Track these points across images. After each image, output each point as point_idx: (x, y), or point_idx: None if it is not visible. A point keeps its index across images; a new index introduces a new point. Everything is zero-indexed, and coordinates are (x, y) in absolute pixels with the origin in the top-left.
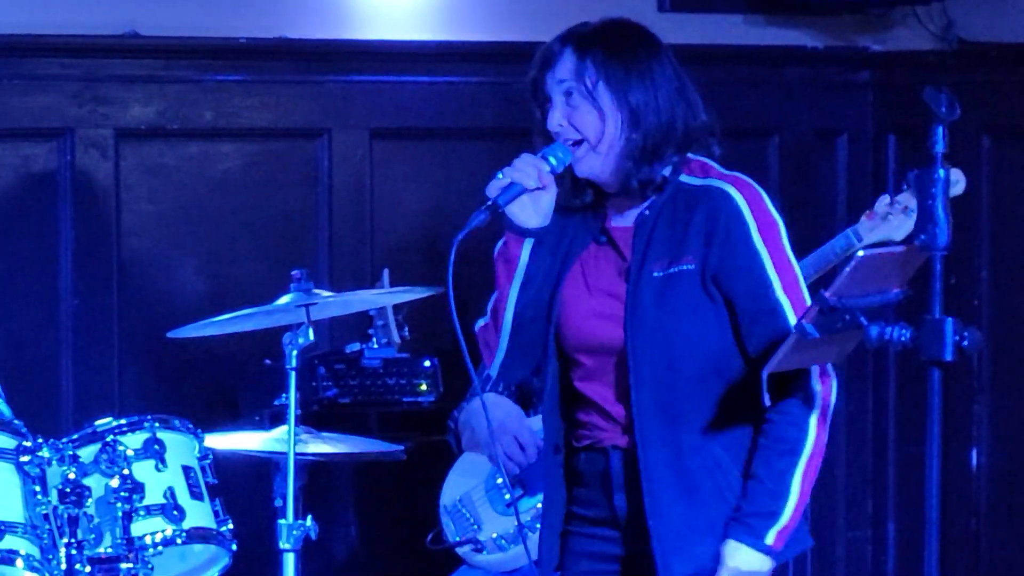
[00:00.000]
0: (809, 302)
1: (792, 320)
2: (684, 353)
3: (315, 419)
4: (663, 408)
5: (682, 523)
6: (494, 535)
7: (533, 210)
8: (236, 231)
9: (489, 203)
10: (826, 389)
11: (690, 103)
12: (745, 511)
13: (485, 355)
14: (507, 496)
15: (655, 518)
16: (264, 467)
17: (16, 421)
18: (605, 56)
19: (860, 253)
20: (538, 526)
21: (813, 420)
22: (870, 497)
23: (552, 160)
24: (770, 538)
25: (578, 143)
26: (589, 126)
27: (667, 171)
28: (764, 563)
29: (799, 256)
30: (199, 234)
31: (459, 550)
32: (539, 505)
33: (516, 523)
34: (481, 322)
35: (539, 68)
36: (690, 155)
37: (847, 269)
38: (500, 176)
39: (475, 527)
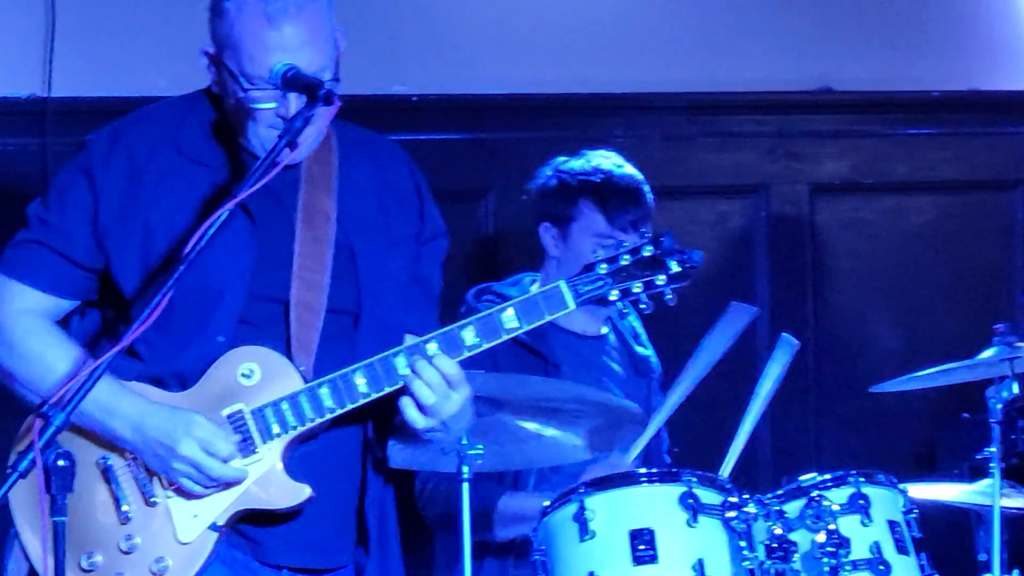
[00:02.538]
0: None
1: None
2: None
3: (1015, 472)
4: None
5: None
6: None
7: None
8: (931, 284)
9: None
10: None
11: None
12: None
13: None
14: None
15: None
16: (963, 520)
17: (722, 477)
18: None
19: None
20: None
21: None
22: None
23: None
24: None
25: None
26: None
27: None
28: None
29: None
30: (894, 288)
31: None
32: None
33: None
34: None
35: None
36: None
37: None
38: None
39: None
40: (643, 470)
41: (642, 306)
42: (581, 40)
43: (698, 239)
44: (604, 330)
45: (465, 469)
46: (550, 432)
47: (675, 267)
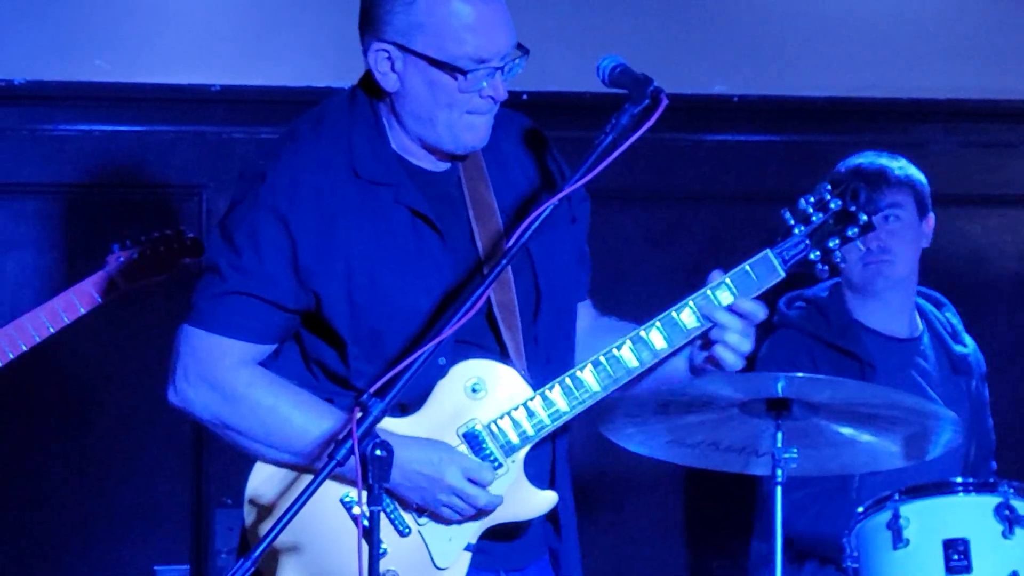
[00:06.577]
0: None
1: None
2: None
3: None
4: None
5: None
6: None
7: None
8: None
9: None
10: None
11: None
12: None
13: None
14: None
15: None
16: None
17: None
18: None
19: None
20: None
21: None
22: None
23: None
24: None
25: None
26: None
27: None
28: None
29: None
30: None
31: None
32: None
33: None
34: None
35: None
36: None
37: None
38: None
39: None
40: (959, 479)
41: (838, 261)
42: (902, 44)
43: (1014, 249)
44: (919, 331)
45: (779, 472)
46: (865, 438)
47: (864, 217)
